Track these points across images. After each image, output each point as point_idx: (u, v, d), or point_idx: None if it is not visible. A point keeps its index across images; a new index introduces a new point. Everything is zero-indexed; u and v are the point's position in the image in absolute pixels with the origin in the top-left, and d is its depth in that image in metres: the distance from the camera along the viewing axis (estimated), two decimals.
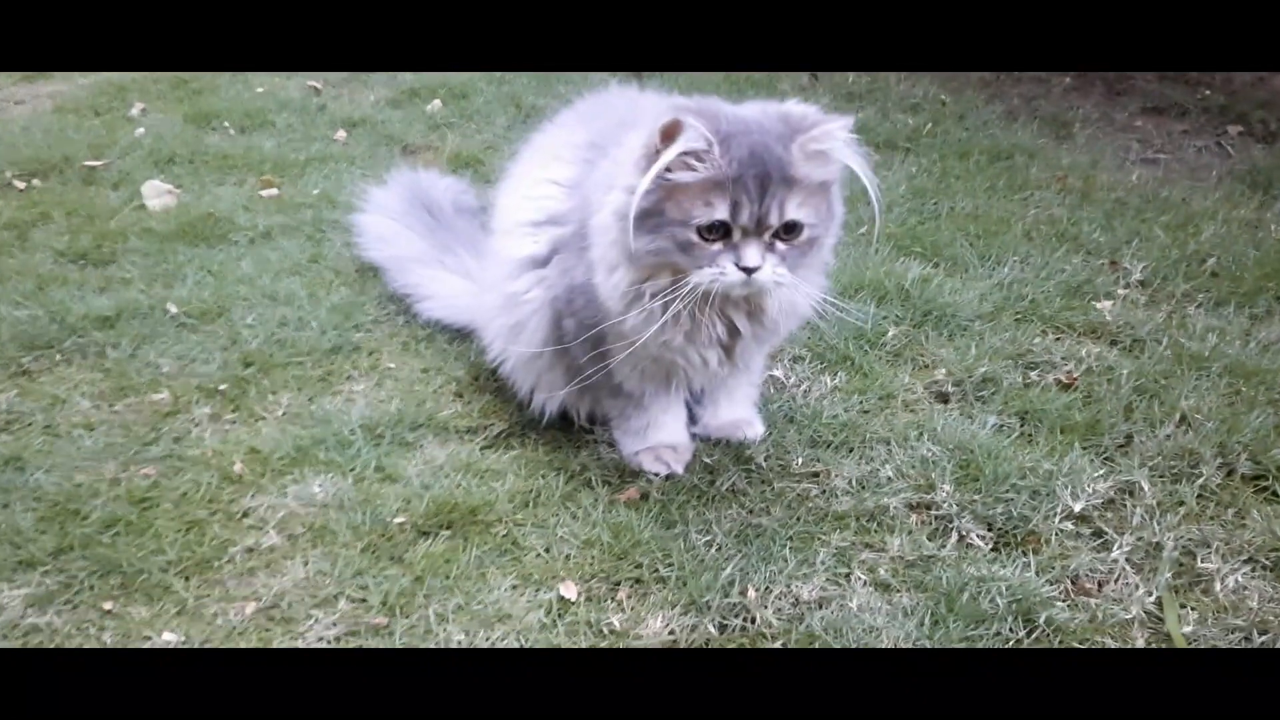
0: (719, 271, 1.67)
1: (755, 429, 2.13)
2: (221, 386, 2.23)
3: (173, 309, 2.49)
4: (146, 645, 1.60)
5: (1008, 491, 1.93)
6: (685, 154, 1.62)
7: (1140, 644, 1.63)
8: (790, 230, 1.69)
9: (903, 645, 1.62)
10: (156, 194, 3.07)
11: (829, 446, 2.09)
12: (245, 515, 1.88)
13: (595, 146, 1.90)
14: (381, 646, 1.61)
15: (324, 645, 1.61)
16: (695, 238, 1.66)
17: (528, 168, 2.04)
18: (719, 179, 1.63)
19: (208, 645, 1.60)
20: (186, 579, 1.73)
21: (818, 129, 1.67)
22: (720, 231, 1.66)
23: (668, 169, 1.64)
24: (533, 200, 1.97)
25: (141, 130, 3.60)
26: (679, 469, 2.01)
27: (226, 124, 3.74)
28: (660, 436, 2.04)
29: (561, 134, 2.03)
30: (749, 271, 1.66)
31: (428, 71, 4.23)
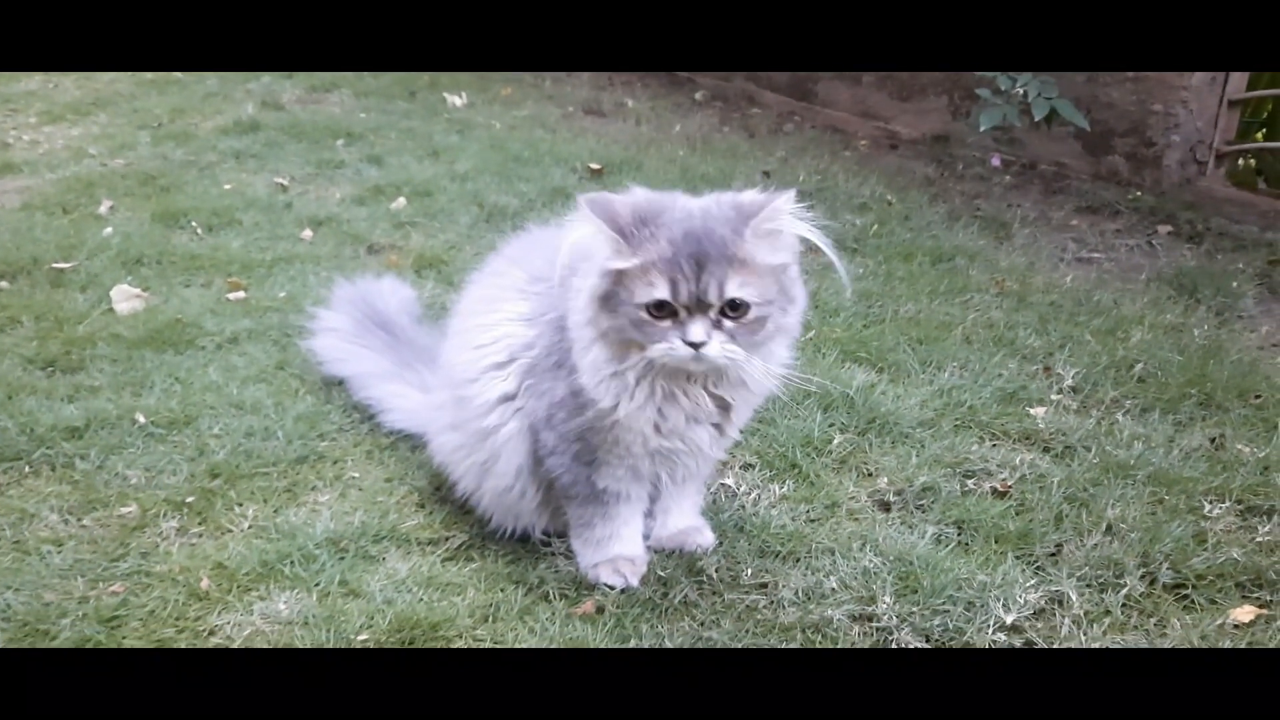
0: (669, 347, 1.81)
1: (706, 537, 2.23)
2: (189, 499, 2.29)
3: (141, 418, 2.55)
4: None
5: (944, 604, 2.03)
6: (612, 237, 1.80)
7: None
8: (736, 308, 1.81)
9: None
10: (125, 298, 3.14)
11: (777, 556, 2.19)
12: (212, 634, 1.93)
13: (539, 279, 2.04)
14: None
15: None
16: (645, 315, 1.81)
17: (474, 320, 2.13)
18: (656, 260, 1.79)
19: None
20: None
21: (765, 209, 1.82)
22: (667, 310, 1.80)
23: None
24: (491, 345, 2.08)
25: (110, 230, 3.67)
26: (634, 582, 2.09)
27: (194, 222, 3.82)
28: (620, 549, 2.12)
29: (501, 280, 2.14)
30: (695, 346, 1.80)
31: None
